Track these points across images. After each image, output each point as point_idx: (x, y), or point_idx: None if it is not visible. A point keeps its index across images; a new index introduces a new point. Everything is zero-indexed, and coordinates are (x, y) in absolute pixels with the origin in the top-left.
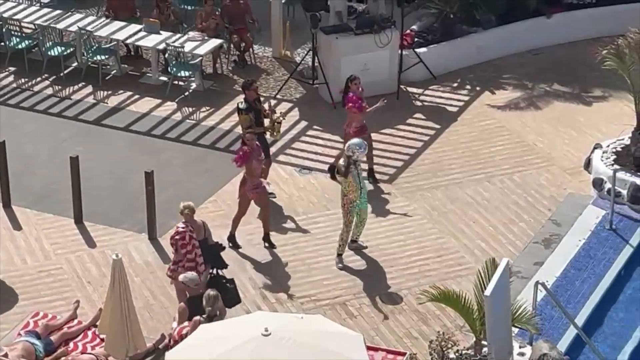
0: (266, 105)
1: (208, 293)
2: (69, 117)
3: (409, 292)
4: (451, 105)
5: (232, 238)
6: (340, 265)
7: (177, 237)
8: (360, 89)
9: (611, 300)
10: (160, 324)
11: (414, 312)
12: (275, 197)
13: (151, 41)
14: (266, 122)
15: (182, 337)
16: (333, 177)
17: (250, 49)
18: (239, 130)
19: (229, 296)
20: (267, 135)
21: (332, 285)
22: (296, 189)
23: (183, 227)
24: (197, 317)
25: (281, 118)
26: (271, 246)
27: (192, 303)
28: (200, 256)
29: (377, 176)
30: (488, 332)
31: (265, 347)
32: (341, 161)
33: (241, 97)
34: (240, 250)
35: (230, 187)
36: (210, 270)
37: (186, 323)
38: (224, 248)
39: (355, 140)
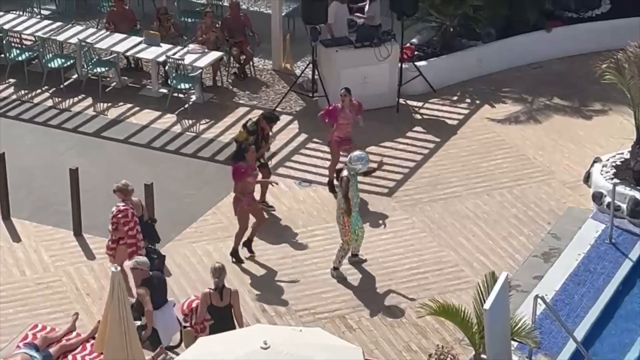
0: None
1: (214, 266)
2: (69, 129)
3: (408, 306)
4: (451, 118)
5: (235, 253)
6: (335, 277)
7: (119, 215)
8: (349, 100)
9: (610, 314)
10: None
11: (413, 325)
12: (274, 210)
13: (151, 53)
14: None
15: (192, 310)
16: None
17: (250, 62)
18: None
19: (155, 266)
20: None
21: (331, 299)
22: (296, 201)
23: (124, 206)
24: (205, 290)
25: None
26: (250, 252)
27: (148, 284)
28: (140, 232)
29: (377, 189)
30: (487, 345)
31: None
32: (344, 173)
33: (243, 111)
34: (240, 263)
35: (229, 199)
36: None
37: (193, 297)
38: (155, 221)
39: (357, 152)
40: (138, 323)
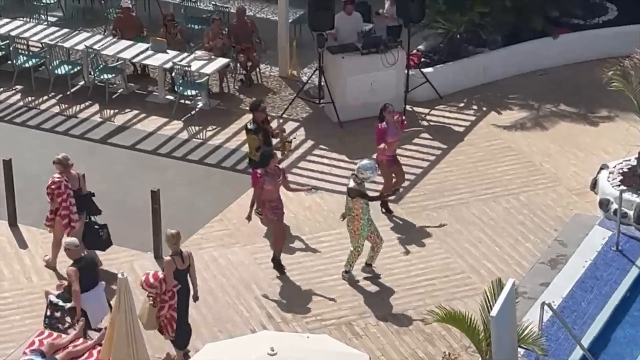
0: (274, 124)
1: (170, 232)
2: (76, 136)
3: (415, 312)
4: (457, 125)
5: (276, 260)
6: (346, 279)
7: (53, 186)
8: (395, 117)
9: (617, 321)
10: (165, 343)
11: (420, 332)
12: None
13: (158, 60)
14: (274, 141)
15: (159, 281)
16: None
17: (257, 68)
18: (245, 149)
19: (101, 240)
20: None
21: (338, 305)
22: (302, 208)
23: (59, 177)
24: (168, 258)
25: (291, 137)
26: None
27: (76, 265)
28: (74, 205)
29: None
30: (494, 352)
31: None
32: (351, 183)
33: (249, 117)
34: (245, 269)
35: (236, 206)
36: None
37: (160, 274)
38: (93, 195)
39: (365, 161)
40: (68, 305)
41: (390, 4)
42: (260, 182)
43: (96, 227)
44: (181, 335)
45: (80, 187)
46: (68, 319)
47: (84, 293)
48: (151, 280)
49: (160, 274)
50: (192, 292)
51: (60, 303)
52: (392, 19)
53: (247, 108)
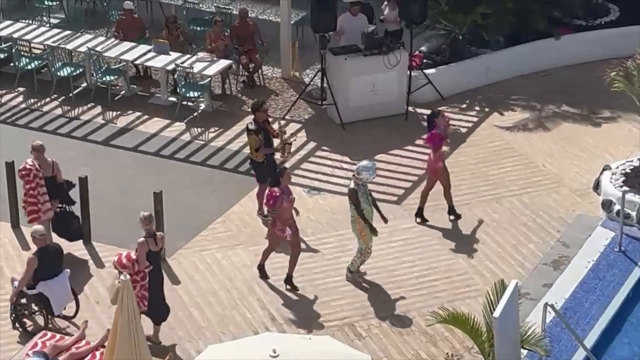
0: (275, 126)
1: (143, 215)
2: (78, 138)
3: (417, 314)
4: (460, 126)
5: (261, 268)
6: (350, 279)
7: (23, 172)
8: (447, 121)
9: (620, 322)
10: (168, 345)
11: (422, 333)
12: None
13: (160, 62)
14: (276, 142)
15: (132, 262)
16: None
17: (259, 70)
18: (247, 150)
19: (73, 229)
20: (277, 156)
21: (340, 307)
22: (305, 209)
23: (30, 164)
24: (141, 239)
25: (292, 139)
26: (293, 289)
27: (41, 253)
28: (45, 194)
29: (387, 197)
30: (497, 354)
31: None
32: (352, 184)
33: (250, 118)
34: (248, 271)
35: (238, 207)
36: (59, 205)
37: (124, 253)
38: (73, 185)
39: (364, 162)
40: (32, 292)
41: (390, 9)
42: (280, 199)
43: (68, 217)
44: (156, 312)
45: (55, 175)
46: (34, 305)
47: (47, 280)
48: (124, 261)
49: (134, 255)
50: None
51: (24, 290)
52: (395, 22)
53: (249, 109)
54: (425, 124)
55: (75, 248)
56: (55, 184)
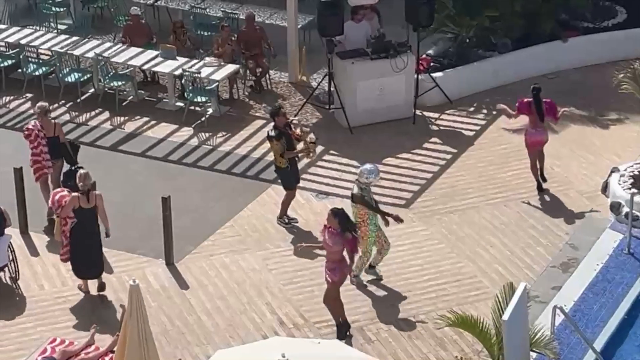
0: (298, 130)
1: (80, 173)
2: (86, 143)
3: (426, 317)
4: (467, 129)
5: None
6: (355, 283)
7: (26, 132)
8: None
9: (629, 324)
10: (177, 350)
11: (431, 337)
12: (297, 222)
13: (168, 67)
14: (299, 145)
15: (60, 205)
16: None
17: (267, 74)
18: (255, 155)
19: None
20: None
21: (349, 311)
22: (313, 214)
23: (32, 126)
24: (76, 194)
25: (315, 138)
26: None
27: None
28: (46, 153)
29: (394, 201)
30: (506, 357)
31: None
32: (355, 189)
33: (259, 123)
34: (257, 275)
35: (247, 212)
36: (69, 166)
37: (66, 192)
38: (78, 147)
39: (367, 165)
40: None
41: (367, 19)
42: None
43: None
44: (76, 267)
45: (57, 135)
46: None
47: None
48: (56, 197)
49: (64, 201)
50: (98, 231)
51: None
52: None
53: (257, 114)
54: None
55: None
56: (58, 144)
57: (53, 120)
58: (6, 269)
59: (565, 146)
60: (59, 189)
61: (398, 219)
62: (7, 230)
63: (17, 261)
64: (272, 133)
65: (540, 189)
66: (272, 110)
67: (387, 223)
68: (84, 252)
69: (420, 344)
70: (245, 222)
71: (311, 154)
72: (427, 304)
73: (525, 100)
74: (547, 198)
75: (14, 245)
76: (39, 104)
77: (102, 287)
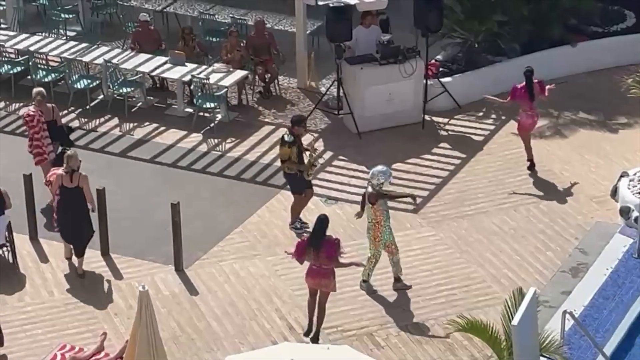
0: (307, 142)
1: (67, 153)
2: (95, 149)
3: (436, 322)
4: (477, 134)
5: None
6: (364, 288)
7: (27, 118)
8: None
9: (639, 328)
10: (187, 356)
11: (441, 342)
12: (309, 228)
13: (176, 73)
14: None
15: (49, 182)
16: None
17: (275, 80)
18: (264, 161)
19: None
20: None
21: (358, 316)
22: None
23: (33, 111)
24: (60, 172)
25: (317, 162)
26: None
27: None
28: (47, 137)
29: (404, 206)
30: None
31: None
32: (369, 189)
33: (268, 129)
34: (266, 281)
35: (256, 218)
36: (61, 147)
37: (60, 171)
38: (72, 130)
39: (378, 167)
40: None
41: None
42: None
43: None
44: (60, 230)
45: (54, 119)
46: None
47: None
48: (48, 175)
49: (52, 178)
50: (82, 208)
51: None
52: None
53: (267, 120)
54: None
55: (93, 260)
56: (55, 127)
57: (50, 105)
58: (4, 248)
59: (574, 151)
60: (54, 168)
61: (414, 198)
62: (7, 212)
63: (15, 245)
64: (288, 138)
65: (531, 169)
66: (297, 118)
67: (414, 199)
68: (67, 222)
69: (430, 349)
70: (255, 228)
71: (309, 174)
72: (437, 309)
73: (519, 85)
74: (556, 202)
75: (24, 252)
76: (36, 89)
77: (81, 276)
